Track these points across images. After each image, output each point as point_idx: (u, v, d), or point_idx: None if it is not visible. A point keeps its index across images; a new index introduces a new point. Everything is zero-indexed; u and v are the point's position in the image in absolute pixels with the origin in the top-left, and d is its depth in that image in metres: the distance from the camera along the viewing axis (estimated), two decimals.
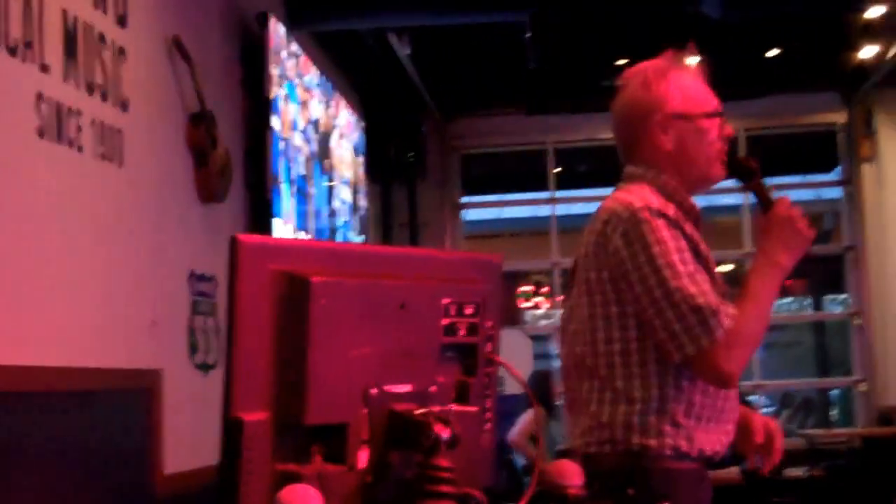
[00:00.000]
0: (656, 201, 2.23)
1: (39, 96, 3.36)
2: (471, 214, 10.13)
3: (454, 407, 1.54)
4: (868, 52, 7.99)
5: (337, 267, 1.41)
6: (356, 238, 7.27)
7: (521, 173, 10.31)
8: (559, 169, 9.51)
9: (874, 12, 6.75)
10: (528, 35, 6.27)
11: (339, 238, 6.75)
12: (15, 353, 3.15)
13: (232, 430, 1.34)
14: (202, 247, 4.86)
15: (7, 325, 3.14)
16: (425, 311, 1.49)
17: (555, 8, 6.37)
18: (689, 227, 2.25)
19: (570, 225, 10.64)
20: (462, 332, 1.53)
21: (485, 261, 1.63)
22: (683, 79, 2.38)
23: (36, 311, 3.33)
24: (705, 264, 2.22)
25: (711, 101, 2.38)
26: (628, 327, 2.19)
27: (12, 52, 3.21)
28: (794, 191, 11.23)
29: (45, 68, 3.41)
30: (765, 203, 2.28)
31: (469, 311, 1.53)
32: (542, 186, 9.48)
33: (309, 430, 1.37)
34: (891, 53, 7.88)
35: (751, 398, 8.99)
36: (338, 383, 1.39)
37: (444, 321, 1.51)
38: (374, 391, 1.43)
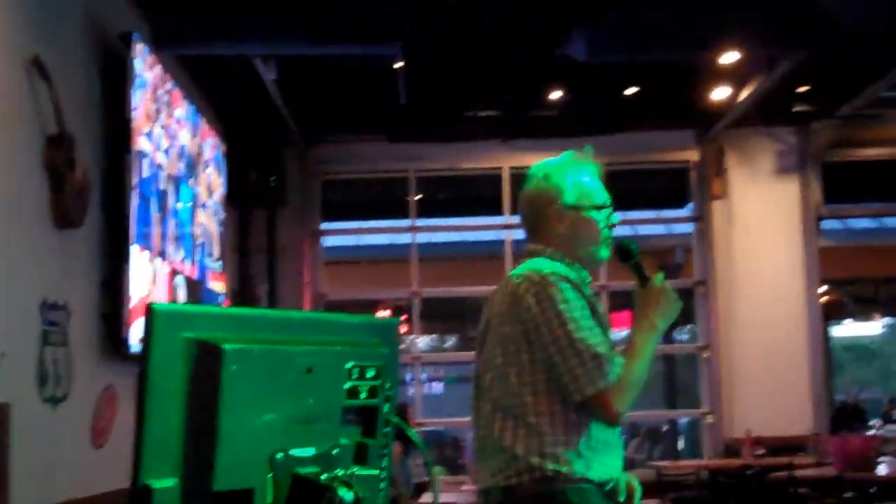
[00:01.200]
0: (562, 269, 2.68)
1: None
2: (331, 241, 10.07)
3: (357, 470, 1.53)
4: (721, 93, 8.31)
5: (247, 333, 1.42)
6: (213, 263, 7.13)
7: (383, 200, 10.29)
8: (420, 197, 9.53)
9: (728, 57, 7.00)
10: (398, 67, 6.27)
11: (198, 263, 6.61)
12: None
13: (140, 498, 1.31)
14: (56, 274, 4.67)
15: None
16: (330, 375, 1.50)
17: (423, 42, 6.41)
18: (587, 292, 2.70)
19: (431, 253, 10.72)
20: (364, 395, 1.55)
21: (385, 324, 1.67)
22: (579, 175, 2.82)
23: None
24: (601, 322, 2.66)
25: (601, 195, 2.82)
26: (537, 371, 2.60)
27: None
28: (648, 226, 11.61)
29: None
30: (642, 278, 2.73)
31: (370, 373, 1.55)
32: (403, 214, 9.49)
33: (216, 497, 1.37)
34: (742, 96, 8.21)
35: None
36: (245, 449, 1.40)
37: (347, 384, 1.53)
38: (279, 456, 1.42)
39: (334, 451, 1.51)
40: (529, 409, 2.58)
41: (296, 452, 1.45)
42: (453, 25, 6.20)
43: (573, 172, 2.82)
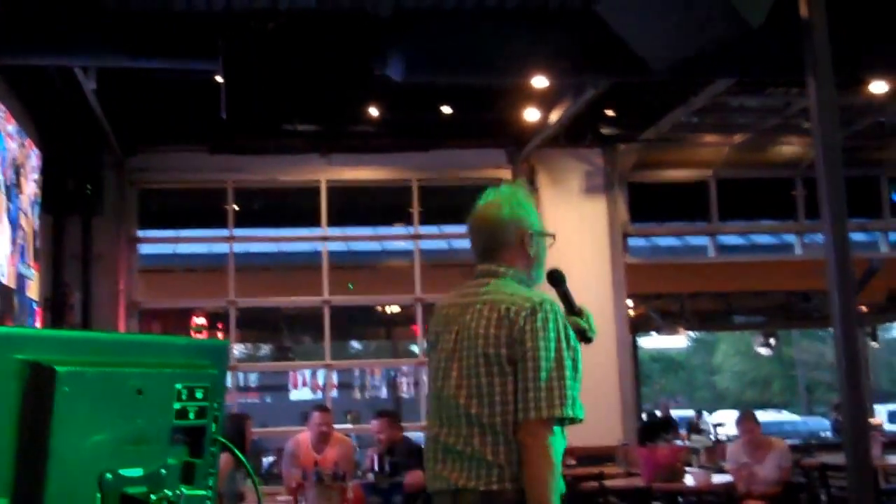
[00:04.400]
0: (546, 297, 2.84)
1: None
2: (147, 249, 9.92)
3: (184, 489, 1.58)
4: (532, 115, 8.64)
5: (80, 355, 1.44)
6: (28, 270, 6.95)
7: (201, 210, 10.21)
8: (237, 208, 9.51)
9: (539, 82, 7.31)
10: (218, 82, 6.28)
11: (16, 271, 6.44)
12: None
13: None
14: None
15: None
16: (160, 396, 1.55)
17: (242, 58, 6.43)
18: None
19: (248, 263, 10.69)
20: (192, 415, 1.60)
21: (215, 346, 1.72)
22: (533, 204, 3.08)
23: None
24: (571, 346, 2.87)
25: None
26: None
27: None
28: (459, 240, 11.85)
29: None
30: (569, 305, 3.03)
31: (199, 394, 1.60)
32: (222, 224, 9.45)
33: None
34: (552, 118, 8.57)
35: (419, 435, 9.33)
36: (76, 470, 1.42)
37: (177, 405, 1.57)
38: (108, 476, 1.46)
39: (162, 471, 1.56)
40: (510, 427, 2.74)
41: (125, 472, 1.48)
42: (273, 42, 6.26)
43: (531, 202, 3.07)
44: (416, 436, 7.97)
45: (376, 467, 6.95)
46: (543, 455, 2.72)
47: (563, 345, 2.77)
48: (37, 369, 1.38)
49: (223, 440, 1.74)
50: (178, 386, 1.58)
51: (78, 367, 1.41)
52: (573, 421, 2.79)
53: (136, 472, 1.52)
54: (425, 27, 6.34)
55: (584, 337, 2.99)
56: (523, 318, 2.77)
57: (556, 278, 3.05)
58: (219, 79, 6.14)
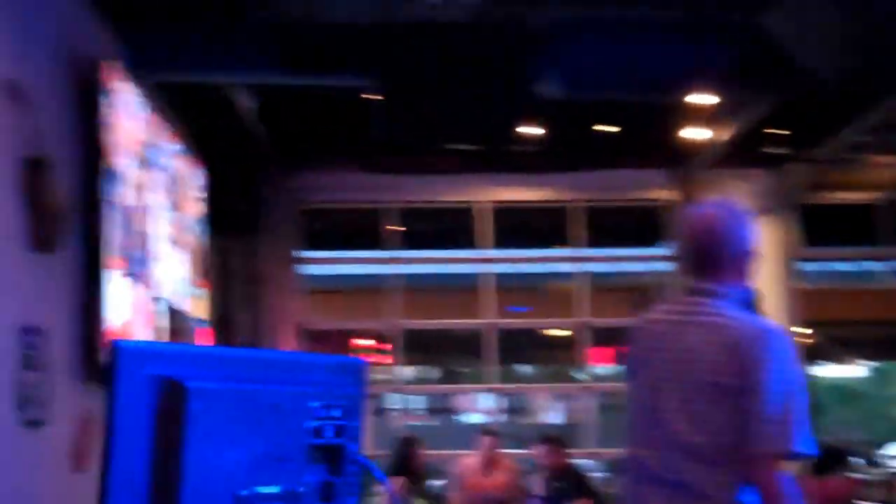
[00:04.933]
0: (775, 323, 2.77)
1: None
2: (312, 269, 10.10)
3: None
4: (696, 134, 8.42)
5: (213, 371, 1.44)
6: (195, 290, 7.16)
7: (362, 230, 10.34)
8: (399, 228, 9.60)
9: (701, 99, 7.11)
10: (372, 101, 6.35)
11: (179, 289, 6.64)
12: None
13: None
14: (33, 298, 4.70)
15: None
16: (295, 414, 1.54)
17: (397, 76, 6.48)
18: None
19: (412, 284, 10.76)
20: (329, 434, 1.59)
21: (353, 364, 1.70)
22: (750, 221, 2.90)
23: None
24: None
25: None
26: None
27: None
28: (623, 263, 11.67)
29: None
30: None
31: (336, 413, 1.59)
32: (383, 244, 9.55)
33: None
34: (716, 137, 8.33)
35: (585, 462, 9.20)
36: (210, 486, 1.42)
37: (313, 423, 1.56)
38: (244, 493, 1.45)
39: (300, 490, 1.54)
40: (737, 461, 2.60)
41: (261, 490, 1.48)
42: (428, 60, 6.29)
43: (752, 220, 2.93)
44: (583, 462, 7.86)
45: (542, 493, 6.89)
46: (777, 492, 2.56)
47: (794, 376, 2.62)
48: (169, 385, 1.38)
49: (365, 461, 1.70)
50: (315, 404, 1.57)
51: (210, 382, 1.41)
52: (803, 456, 2.65)
53: (273, 489, 1.51)
54: (585, 42, 6.25)
55: None
56: (753, 345, 2.61)
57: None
58: (373, 98, 6.20)
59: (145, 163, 5.97)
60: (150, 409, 1.37)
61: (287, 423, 1.53)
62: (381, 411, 10.20)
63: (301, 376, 1.59)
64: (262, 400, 1.49)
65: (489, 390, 10.62)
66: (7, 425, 4.34)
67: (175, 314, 6.54)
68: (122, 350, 1.36)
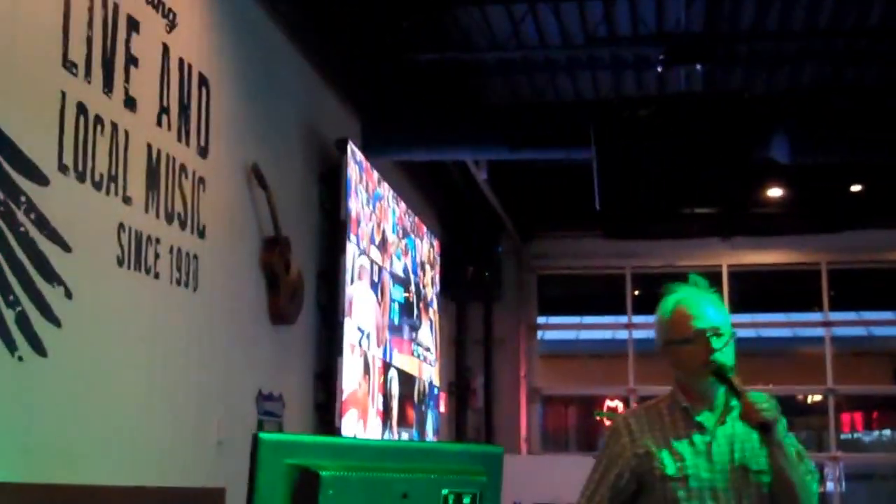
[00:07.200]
0: None
1: (121, 226, 3.50)
2: (547, 335, 10.14)
3: None
4: None
5: (346, 460, 1.50)
6: (429, 355, 7.33)
7: (599, 295, 10.30)
8: (637, 293, 9.50)
9: None
10: (594, 172, 6.36)
11: (414, 353, 6.83)
12: (83, 472, 3.24)
13: None
14: (271, 367, 4.95)
15: (78, 444, 3.24)
16: (426, 502, 1.56)
17: (615, 144, 6.45)
18: None
19: (649, 349, 10.57)
20: None
21: (486, 452, 1.72)
22: None
23: (106, 430, 3.41)
24: None
25: None
26: None
27: (97, 185, 3.37)
28: (885, 327, 10.95)
29: (127, 200, 3.56)
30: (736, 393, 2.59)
31: (467, 500, 1.60)
32: (620, 309, 9.47)
33: None
34: None
35: None
36: None
37: None
38: None
39: None
40: None
41: None
42: (645, 128, 6.25)
43: None
44: None
45: None
46: None
47: None
48: (304, 473, 1.45)
49: None
50: (445, 491, 1.59)
51: (342, 472, 1.47)
52: None
53: None
54: (806, 106, 6.03)
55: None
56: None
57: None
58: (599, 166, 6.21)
59: (384, 236, 6.21)
60: (287, 496, 1.44)
61: None
62: None
63: (433, 464, 1.62)
64: (393, 487, 1.53)
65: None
66: (244, 487, 4.55)
67: (408, 381, 6.71)
68: (262, 442, 1.45)
